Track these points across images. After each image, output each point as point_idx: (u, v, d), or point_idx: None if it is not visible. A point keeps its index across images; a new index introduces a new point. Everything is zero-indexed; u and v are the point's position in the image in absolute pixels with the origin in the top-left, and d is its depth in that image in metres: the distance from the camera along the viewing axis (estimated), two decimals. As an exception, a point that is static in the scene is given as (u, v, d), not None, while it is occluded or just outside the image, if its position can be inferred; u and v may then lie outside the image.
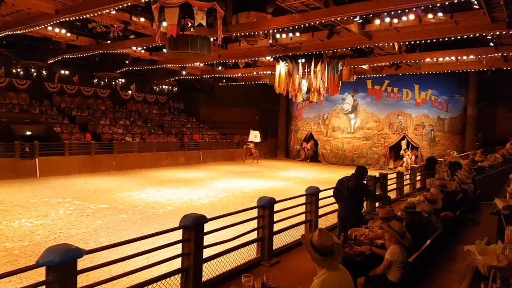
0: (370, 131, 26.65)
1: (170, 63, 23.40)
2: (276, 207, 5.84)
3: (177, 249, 4.33)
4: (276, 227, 5.93)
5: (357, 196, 6.04)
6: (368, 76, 24.94)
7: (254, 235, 5.60)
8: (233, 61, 22.72)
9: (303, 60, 20.13)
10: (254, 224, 5.80)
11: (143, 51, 20.98)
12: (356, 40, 16.45)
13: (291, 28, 15.25)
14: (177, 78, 29.66)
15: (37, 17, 14.65)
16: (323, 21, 13.93)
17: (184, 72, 26.44)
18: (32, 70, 23.89)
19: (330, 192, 7.05)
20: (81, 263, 3.18)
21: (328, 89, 19.65)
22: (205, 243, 4.38)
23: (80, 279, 3.21)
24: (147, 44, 18.33)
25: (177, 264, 4.33)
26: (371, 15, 13.72)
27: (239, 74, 25.95)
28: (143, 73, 28.47)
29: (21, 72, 23.73)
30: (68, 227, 9.18)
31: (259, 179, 18.41)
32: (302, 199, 7.13)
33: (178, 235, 4.35)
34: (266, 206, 5.47)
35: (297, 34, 16.17)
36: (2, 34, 16.57)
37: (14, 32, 16.33)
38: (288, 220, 6.55)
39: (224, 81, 30.80)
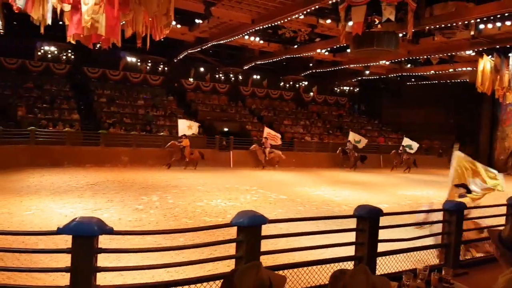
0: None
1: (353, 64, 23.31)
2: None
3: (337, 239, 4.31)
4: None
5: None
6: None
7: (429, 241, 5.04)
8: (425, 57, 20.93)
9: (515, 53, 16.86)
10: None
11: (327, 53, 21.55)
12: None
13: (499, 16, 13.02)
14: (359, 78, 29.28)
15: (237, 27, 16.92)
16: (545, 3, 11.42)
17: (367, 72, 25.91)
18: (231, 75, 28.00)
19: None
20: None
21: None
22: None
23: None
24: (331, 45, 18.77)
25: (346, 251, 4.28)
26: None
27: (432, 71, 23.75)
28: (324, 75, 29.27)
29: (222, 78, 28.03)
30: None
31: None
32: (500, 209, 5.98)
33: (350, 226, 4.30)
34: (453, 211, 4.82)
35: (508, 23, 13.69)
36: (210, 44, 19.82)
37: (219, 42, 19.29)
38: (475, 231, 5.64)
39: (413, 80, 28.65)
